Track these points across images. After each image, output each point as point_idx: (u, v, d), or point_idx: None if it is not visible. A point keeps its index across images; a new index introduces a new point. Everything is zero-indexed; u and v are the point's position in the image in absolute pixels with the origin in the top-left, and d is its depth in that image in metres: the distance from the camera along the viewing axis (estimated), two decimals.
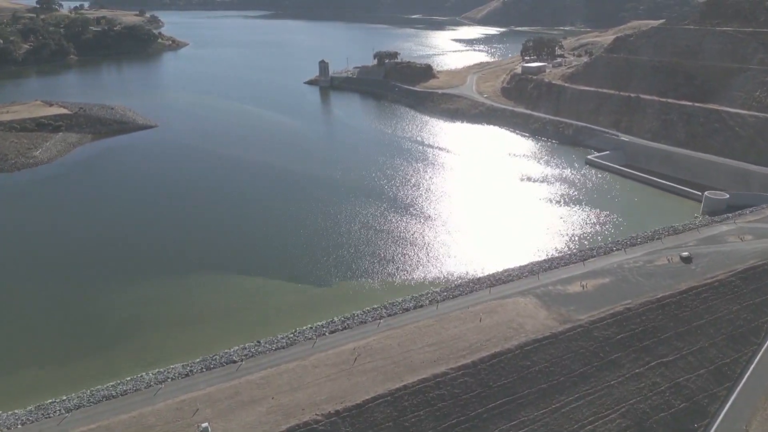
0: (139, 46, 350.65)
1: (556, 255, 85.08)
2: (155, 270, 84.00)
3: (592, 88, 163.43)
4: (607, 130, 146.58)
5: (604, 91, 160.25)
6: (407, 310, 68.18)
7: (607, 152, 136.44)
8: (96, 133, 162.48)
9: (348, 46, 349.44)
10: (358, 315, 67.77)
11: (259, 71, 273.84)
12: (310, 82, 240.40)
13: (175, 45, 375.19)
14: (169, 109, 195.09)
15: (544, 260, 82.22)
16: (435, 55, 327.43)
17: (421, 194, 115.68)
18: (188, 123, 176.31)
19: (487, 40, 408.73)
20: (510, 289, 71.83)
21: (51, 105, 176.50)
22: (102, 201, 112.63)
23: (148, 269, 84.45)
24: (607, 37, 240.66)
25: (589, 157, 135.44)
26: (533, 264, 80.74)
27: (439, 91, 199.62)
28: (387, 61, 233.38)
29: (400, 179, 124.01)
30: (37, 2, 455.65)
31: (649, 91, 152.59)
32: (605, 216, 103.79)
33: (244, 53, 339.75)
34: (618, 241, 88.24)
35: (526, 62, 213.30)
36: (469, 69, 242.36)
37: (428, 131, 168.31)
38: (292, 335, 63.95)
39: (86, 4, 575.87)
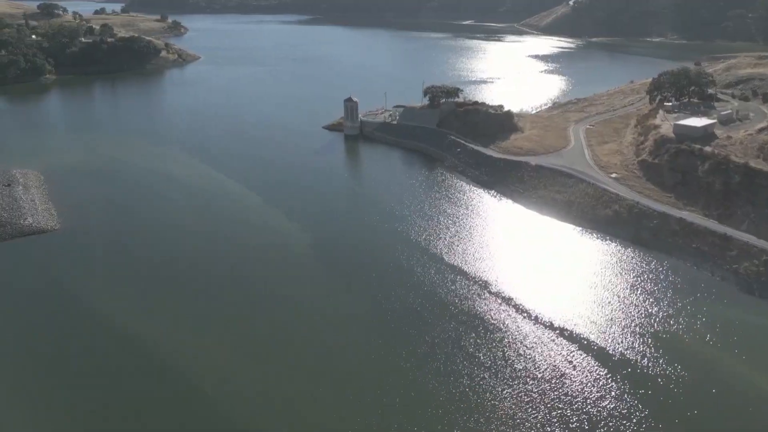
0: (137, 61, 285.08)
1: None
2: None
3: None
4: None
5: None
6: None
7: None
8: None
9: (389, 66, 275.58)
10: None
11: (270, 106, 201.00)
12: (331, 127, 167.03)
13: (182, 60, 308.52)
14: (104, 183, 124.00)
15: None
16: (502, 78, 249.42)
17: None
18: (111, 224, 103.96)
19: (564, 57, 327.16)
20: None
21: None
22: None
23: None
24: None
25: None
26: None
27: (532, 161, 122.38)
28: (443, 100, 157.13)
29: None
30: (38, 7, 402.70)
31: None
32: None
33: (261, 74, 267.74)
34: None
35: (667, 110, 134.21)
36: (565, 111, 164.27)
37: (524, 260, 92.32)
38: None
39: (111, 7, 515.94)
